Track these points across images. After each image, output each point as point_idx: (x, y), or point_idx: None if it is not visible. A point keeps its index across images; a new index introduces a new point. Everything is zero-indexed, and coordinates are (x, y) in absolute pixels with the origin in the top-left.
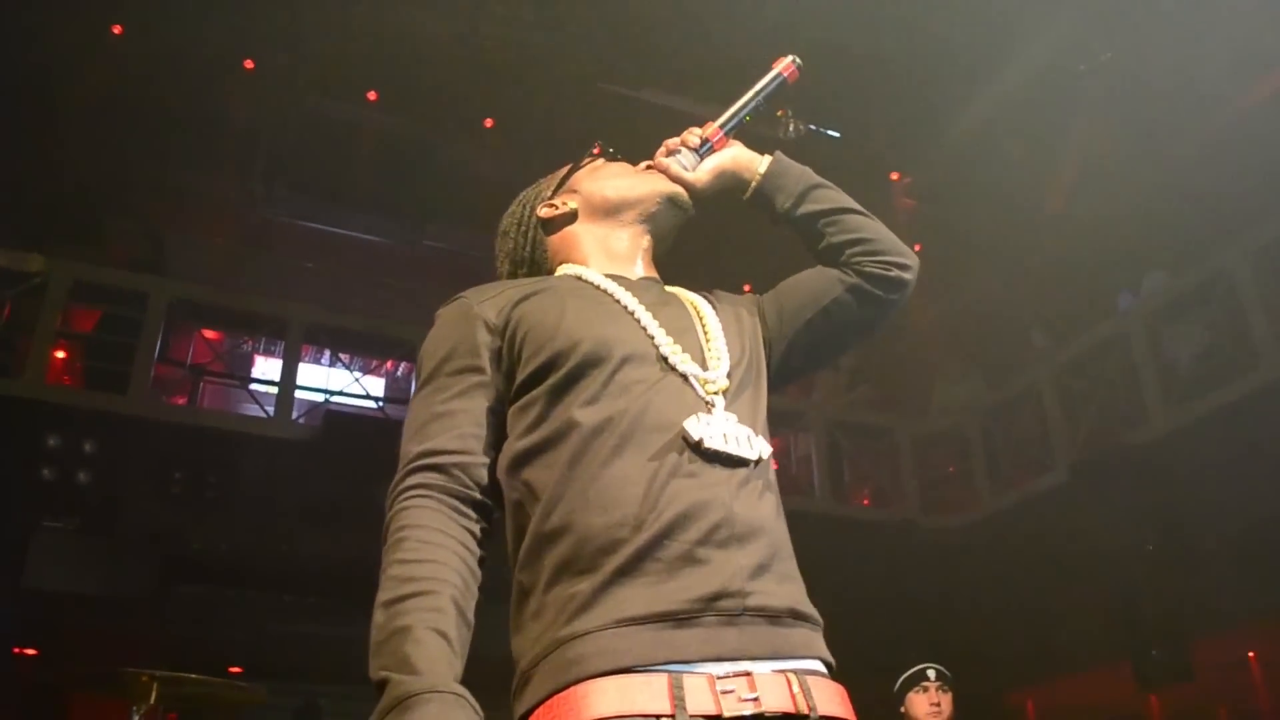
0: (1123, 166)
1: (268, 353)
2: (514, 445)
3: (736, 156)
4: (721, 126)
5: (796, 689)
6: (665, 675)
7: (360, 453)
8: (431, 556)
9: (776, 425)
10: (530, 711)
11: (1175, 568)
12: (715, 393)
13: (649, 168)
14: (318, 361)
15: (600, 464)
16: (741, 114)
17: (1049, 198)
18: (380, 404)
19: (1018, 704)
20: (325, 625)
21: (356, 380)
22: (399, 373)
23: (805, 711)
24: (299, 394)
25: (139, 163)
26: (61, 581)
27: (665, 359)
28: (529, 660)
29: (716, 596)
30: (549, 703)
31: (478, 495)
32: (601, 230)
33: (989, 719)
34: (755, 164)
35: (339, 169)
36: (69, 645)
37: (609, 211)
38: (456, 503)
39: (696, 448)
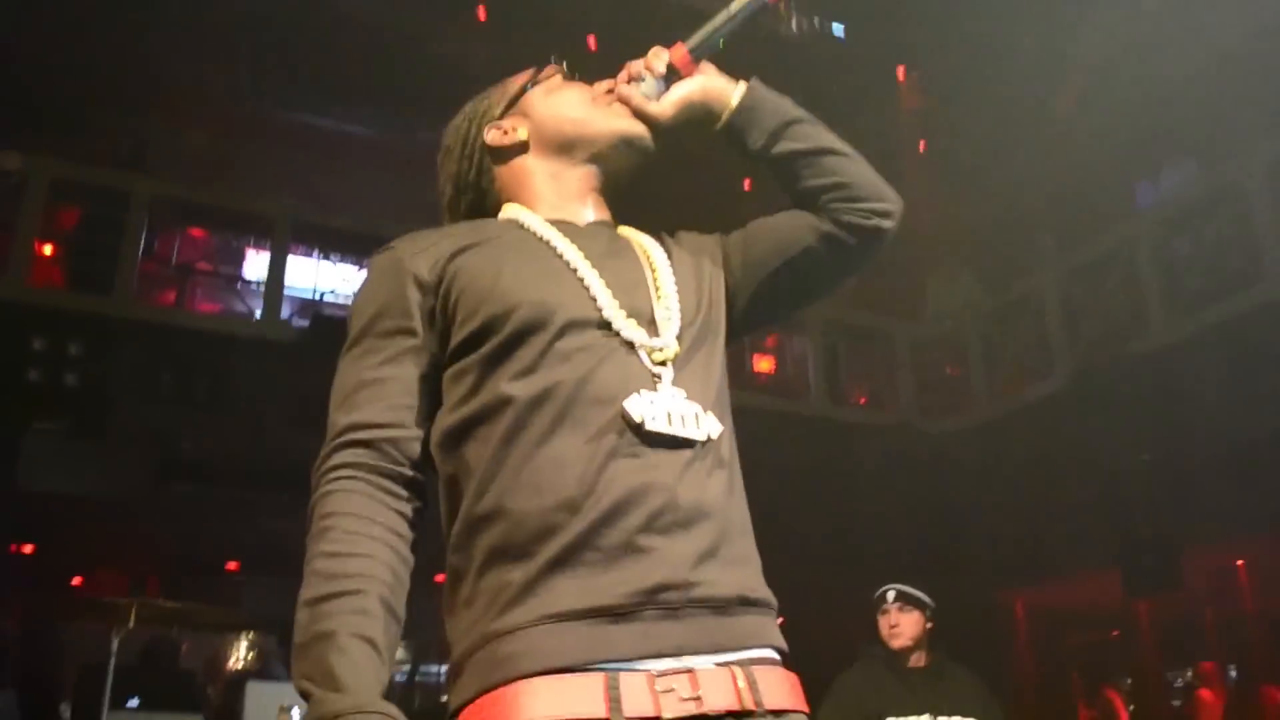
0: (1137, 67)
1: (259, 246)
2: (446, 418)
3: (706, 86)
4: (691, 51)
5: (742, 683)
6: (601, 675)
7: None
8: (359, 549)
9: (773, 326)
10: (460, 709)
11: (1170, 478)
12: (663, 362)
13: (609, 93)
14: (308, 255)
15: (535, 442)
16: (715, 37)
17: (1060, 98)
18: None
19: (1006, 604)
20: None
21: (345, 280)
22: None
23: (751, 707)
24: (289, 291)
25: (121, 55)
26: (55, 482)
27: (609, 323)
28: (460, 651)
29: (657, 589)
30: (478, 702)
31: (410, 472)
32: (552, 167)
33: (977, 619)
34: (727, 94)
35: (328, 61)
36: (66, 543)
37: (560, 147)
38: (387, 482)
39: (638, 429)
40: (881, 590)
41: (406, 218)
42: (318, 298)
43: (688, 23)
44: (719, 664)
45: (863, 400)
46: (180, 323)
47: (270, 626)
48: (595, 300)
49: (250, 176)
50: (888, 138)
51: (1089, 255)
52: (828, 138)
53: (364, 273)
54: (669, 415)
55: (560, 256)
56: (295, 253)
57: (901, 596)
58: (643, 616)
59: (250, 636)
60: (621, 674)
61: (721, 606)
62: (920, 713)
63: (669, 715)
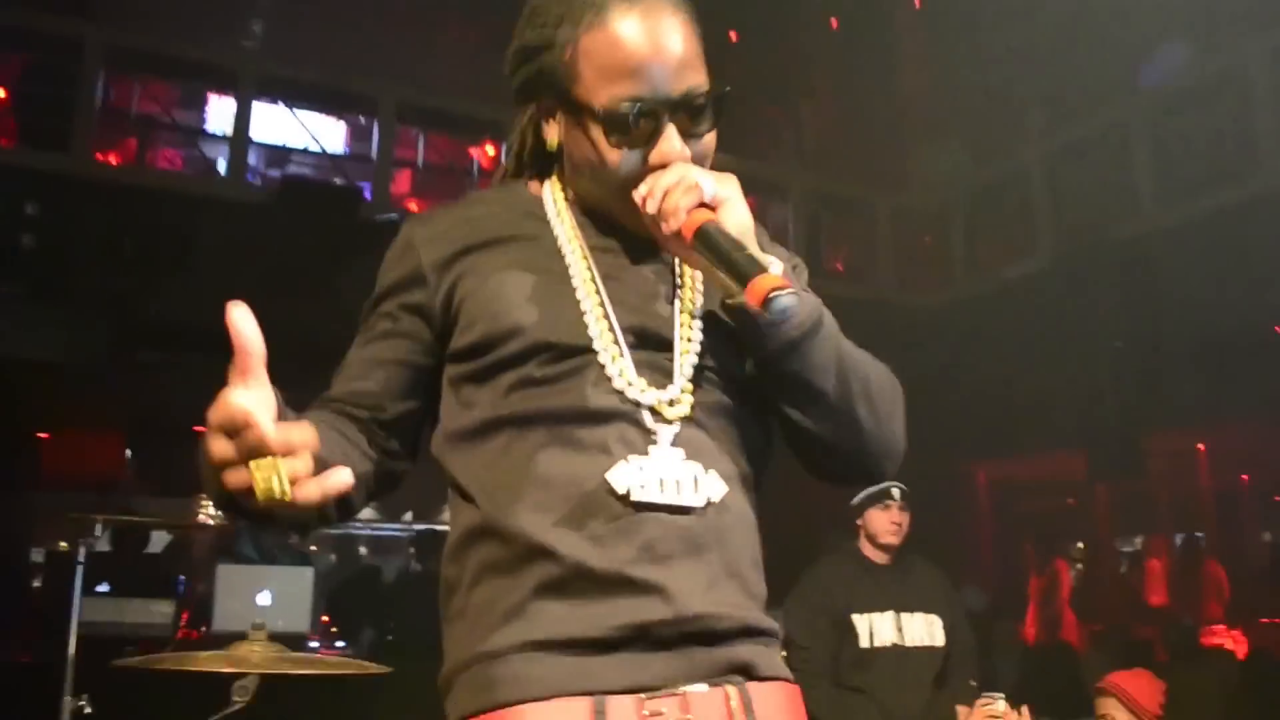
0: None
1: (223, 92)
2: (447, 424)
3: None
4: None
5: (735, 703)
6: (588, 700)
7: (318, 220)
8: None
9: (752, 190)
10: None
11: (1140, 365)
12: (668, 420)
13: (654, 167)
14: (274, 104)
15: (531, 461)
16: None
17: None
18: (338, 159)
19: (967, 475)
20: (286, 389)
21: (313, 136)
22: (361, 122)
23: None
24: (255, 143)
25: None
26: (14, 345)
27: (601, 368)
28: (450, 666)
29: (647, 624)
30: None
31: (383, 441)
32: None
33: (939, 488)
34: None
35: None
36: (29, 407)
37: (586, 190)
38: (362, 425)
39: (624, 499)
40: (884, 486)
41: (377, 69)
42: (284, 149)
43: None
44: (713, 684)
45: (839, 267)
46: (142, 181)
47: None
48: (592, 343)
49: (213, 26)
50: None
51: (1080, 133)
52: (860, 380)
53: (335, 123)
54: (662, 481)
55: (572, 279)
56: (261, 101)
57: (905, 495)
58: (631, 648)
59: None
60: (609, 699)
61: (719, 638)
62: (885, 609)
63: None
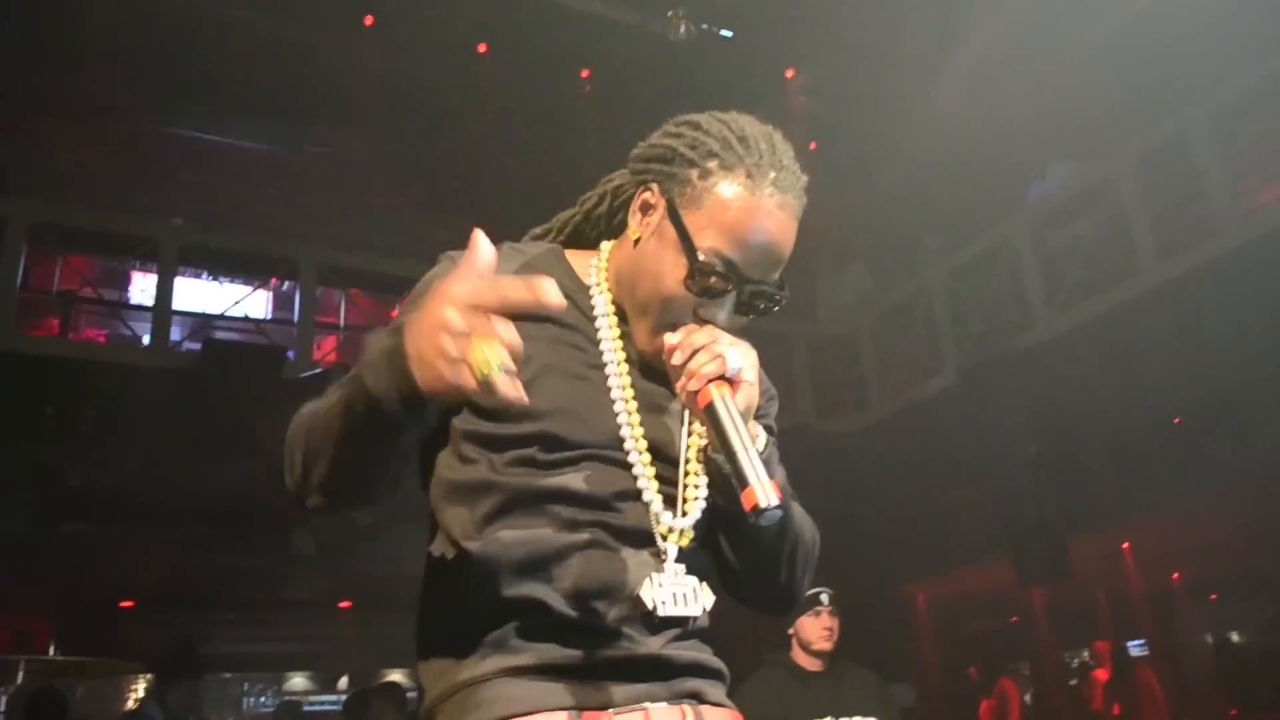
0: (1020, 64)
1: (146, 269)
2: (448, 473)
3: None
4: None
5: (690, 718)
6: (564, 714)
7: (242, 380)
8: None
9: None
10: None
11: (1055, 468)
12: (677, 542)
13: (697, 319)
14: (197, 276)
15: (525, 530)
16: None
17: (944, 94)
18: (261, 324)
19: (908, 596)
20: (211, 555)
21: (236, 303)
22: (284, 287)
23: None
24: (179, 313)
25: None
26: None
27: (638, 492)
28: (431, 698)
29: (617, 658)
30: None
31: None
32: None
33: (881, 613)
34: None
35: (212, 71)
36: None
37: (627, 285)
38: None
39: (650, 614)
40: (813, 592)
41: (300, 234)
42: (206, 318)
43: (577, 27)
44: (671, 703)
45: None
46: (64, 353)
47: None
48: (626, 455)
49: (135, 196)
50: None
51: (972, 252)
52: (793, 529)
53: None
54: (674, 596)
55: (609, 389)
56: (184, 274)
57: (834, 599)
58: (602, 677)
59: (148, 678)
60: (584, 714)
61: (675, 672)
62: (823, 717)
63: None
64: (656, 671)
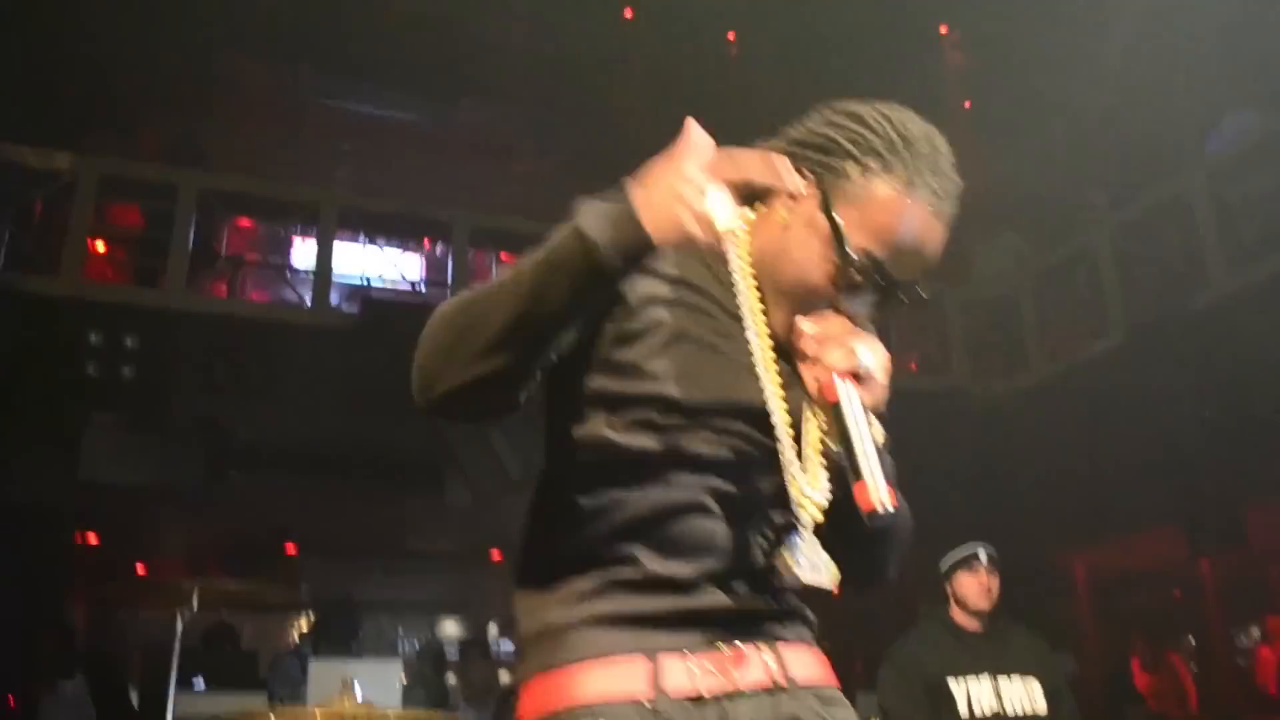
0: (1188, 10)
1: (307, 234)
2: (569, 429)
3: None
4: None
5: (773, 663)
6: (644, 658)
7: (399, 337)
8: None
9: None
10: (524, 684)
11: (1231, 433)
12: (810, 514)
13: (836, 310)
14: (355, 241)
15: (645, 490)
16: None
17: (1109, 47)
18: (417, 286)
19: (1064, 566)
20: (369, 504)
21: (393, 265)
22: (437, 252)
23: (783, 684)
24: (337, 278)
25: (168, 53)
26: (116, 473)
27: (768, 460)
28: (522, 632)
29: (701, 610)
30: (539, 682)
31: None
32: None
33: (1036, 581)
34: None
35: (368, 47)
36: (128, 532)
37: (771, 263)
38: None
39: (786, 570)
40: (970, 550)
41: (451, 200)
42: (365, 283)
43: None
44: (751, 645)
45: (914, 366)
46: (232, 312)
47: (327, 606)
48: (767, 411)
49: (295, 165)
50: (932, 95)
51: (1143, 208)
52: (900, 529)
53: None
54: (812, 565)
55: (760, 378)
56: (342, 239)
57: (992, 559)
58: (679, 625)
59: (310, 615)
60: (662, 657)
61: (759, 619)
62: (981, 673)
63: (707, 692)
64: (738, 620)
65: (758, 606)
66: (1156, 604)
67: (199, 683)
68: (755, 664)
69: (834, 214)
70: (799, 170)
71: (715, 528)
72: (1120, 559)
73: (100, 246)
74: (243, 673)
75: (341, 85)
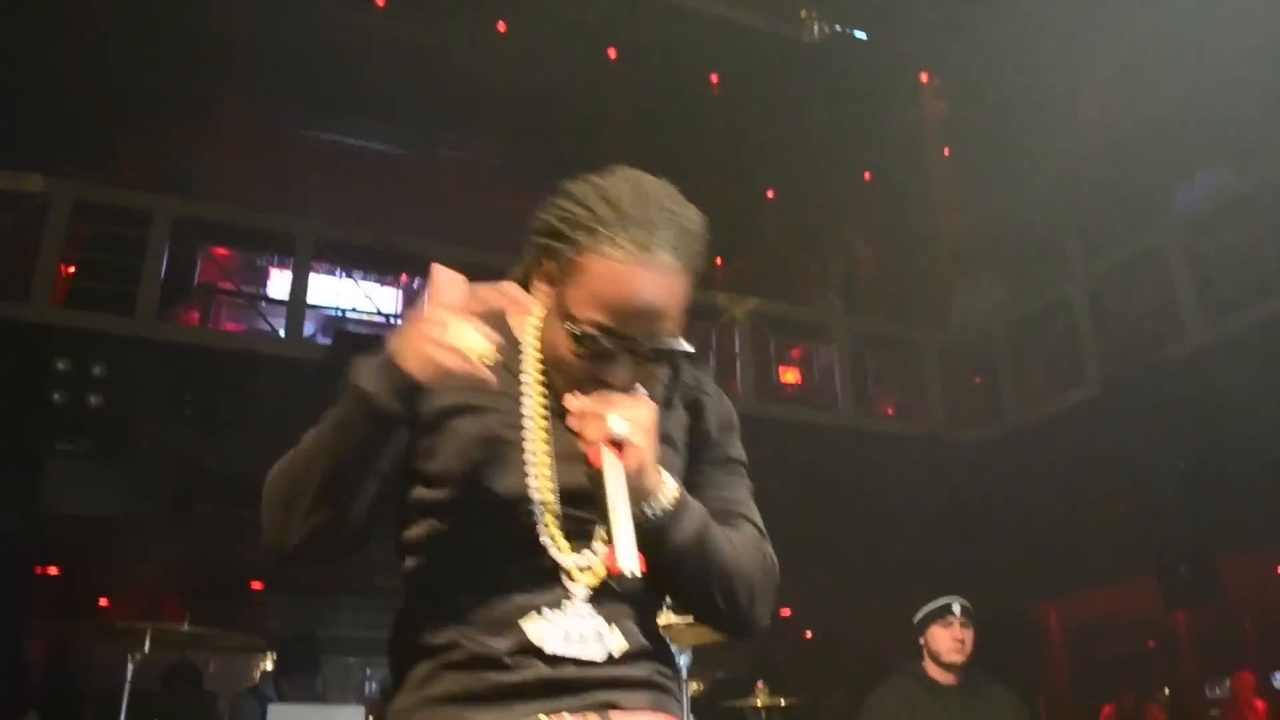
0: (1165, 65)
1: (283, 265)
2: (402, 532)
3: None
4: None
5: None
6: None
7: None
8: None
9: (799, 335)
10: None
11: (1205, 486)
12: (584, 584)
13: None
14: (331, 273)
15: (457, 578)
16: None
17: (1086, 100)
18: (392, 320)
19: (1040, 616)
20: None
21: (368, 297)
22: (414, 286)
23: None
24: (312, 309)
25: (146, 79)
26: (78, 504)
27: (536, 537)
28: (389, 713)
29: (526, 683)
30: None
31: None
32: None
33: (1010, 631)
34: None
35: (349, 79)
36: (92, 565)
37: (545, 354)
38: None
39: (532, 647)
40: (944, 602)
41: (428, 233)
42: (341, 315)
43: (706, 32)
44: (574, 713)
45: (890, 411)
46: (203, 342)
47: (291, 645)
48: (531, 512)
49: (272, 195)
50: (911, 144)
51: (1118, 259)
52: (717, 565)
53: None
54: (567, 634)
55: (523, 441)
56: (318, 270)
57: (965, 611)
58: (507, 697)
59: (274, 656)
60: None
61: (590, 686)
62: None
63: None
64: (564, 691)
65: (587, 676)
66: (1131, 655)
67: None
68: None
69: (562, 292)
70: (537, 260)
71: (525, 604)
72: (1093, 610)
73: (72, 271)
74: (201, 715)
75: (323, 116)
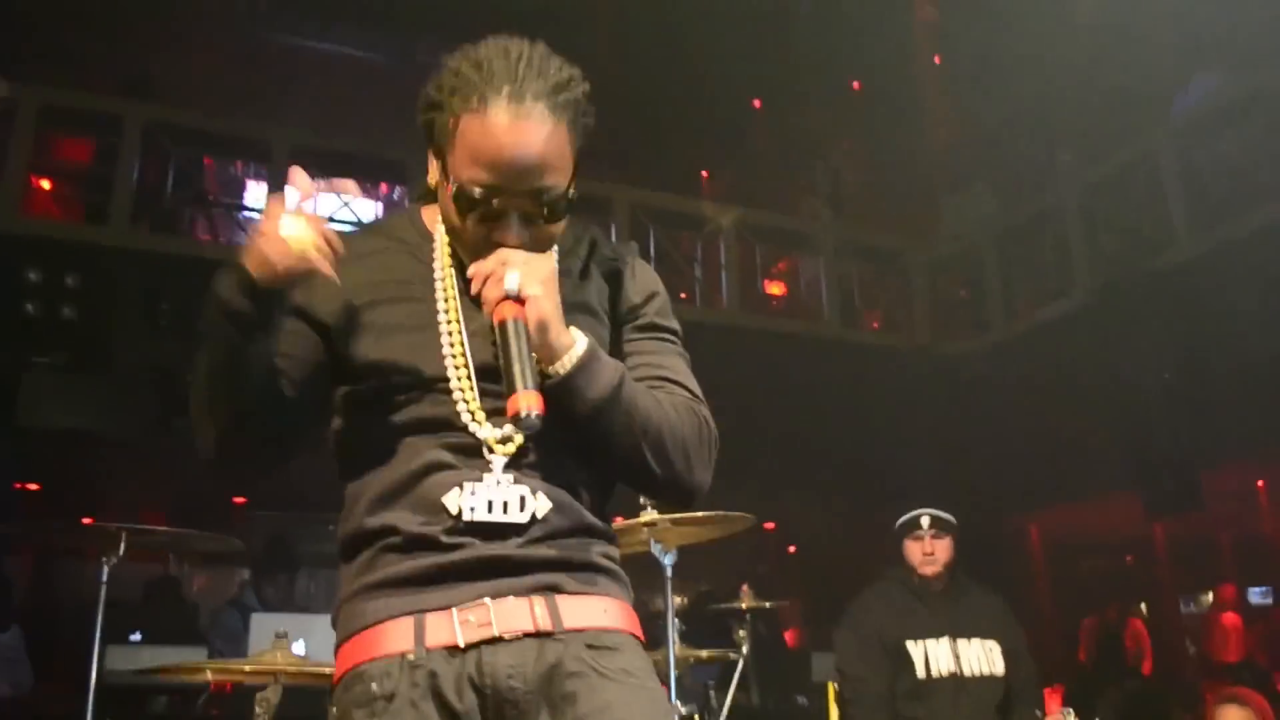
0: None
1: (258, 177)
2: (332, 427)
3: (556, 335)
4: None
5: (540, 610)
6: (411, 618)
7: None
8: None
9: (785, 245)
10: (336, 650)
11: (1191, 397)
12: (503, 453)
13: (494, 243)
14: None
15: (386, 464)
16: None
17: (1079, 3)
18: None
19: (1019, 529)
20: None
21: (346, 205)
22: (394, 195)
23: (549, 629)
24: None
25: None
26: (56, 418)
27: (457, 414)
28: (335, 605)
29: (464, 564)
30: (339, 651)
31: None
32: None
33: (989, 545)
34: (565, 353)
35: None
36: (71, 480)
37: (449, 232)
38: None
39: (457, 519)
40: (913, 515)
41: (407, 140)
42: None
43: None
44: (518, 597)
45: (876, 325)
46: (180, 251)
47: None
48: (447, 381)
49: (249, 102)
50: (901, 52)
51: (1110, 168)
52: (643, 422)
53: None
54: (490, 503)
55: (437, 311)
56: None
57: (936, 522)
58: (447, 581)
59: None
60: (428, 615)
61: (531, 568)
62: (940, 635)
63: (465, 640)
64: (504, 570)
65: (529, 556)
66: (1110, 569)
67: (135, 636)
68: (520, 613)
69: (443, 159)
70: (428, 137)
71: (450, 480)
72: (1075, 523)
73: (44, 183)
74: (183, 626)
75: (298, 21)
